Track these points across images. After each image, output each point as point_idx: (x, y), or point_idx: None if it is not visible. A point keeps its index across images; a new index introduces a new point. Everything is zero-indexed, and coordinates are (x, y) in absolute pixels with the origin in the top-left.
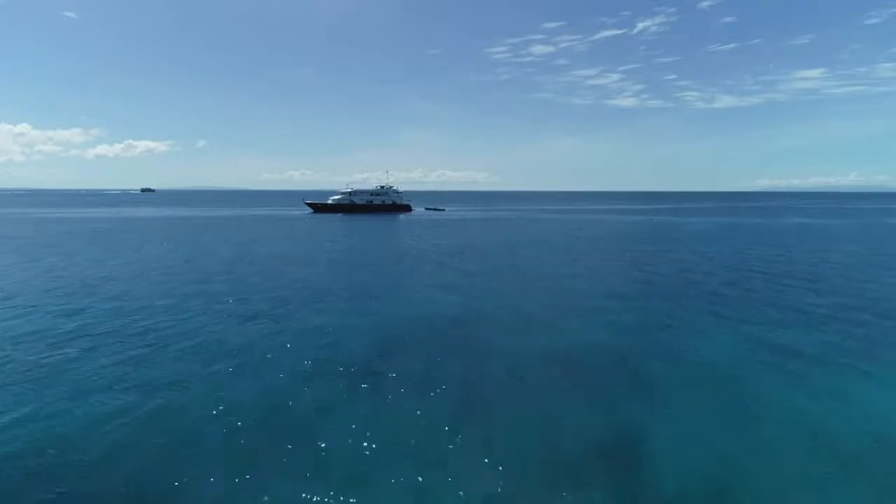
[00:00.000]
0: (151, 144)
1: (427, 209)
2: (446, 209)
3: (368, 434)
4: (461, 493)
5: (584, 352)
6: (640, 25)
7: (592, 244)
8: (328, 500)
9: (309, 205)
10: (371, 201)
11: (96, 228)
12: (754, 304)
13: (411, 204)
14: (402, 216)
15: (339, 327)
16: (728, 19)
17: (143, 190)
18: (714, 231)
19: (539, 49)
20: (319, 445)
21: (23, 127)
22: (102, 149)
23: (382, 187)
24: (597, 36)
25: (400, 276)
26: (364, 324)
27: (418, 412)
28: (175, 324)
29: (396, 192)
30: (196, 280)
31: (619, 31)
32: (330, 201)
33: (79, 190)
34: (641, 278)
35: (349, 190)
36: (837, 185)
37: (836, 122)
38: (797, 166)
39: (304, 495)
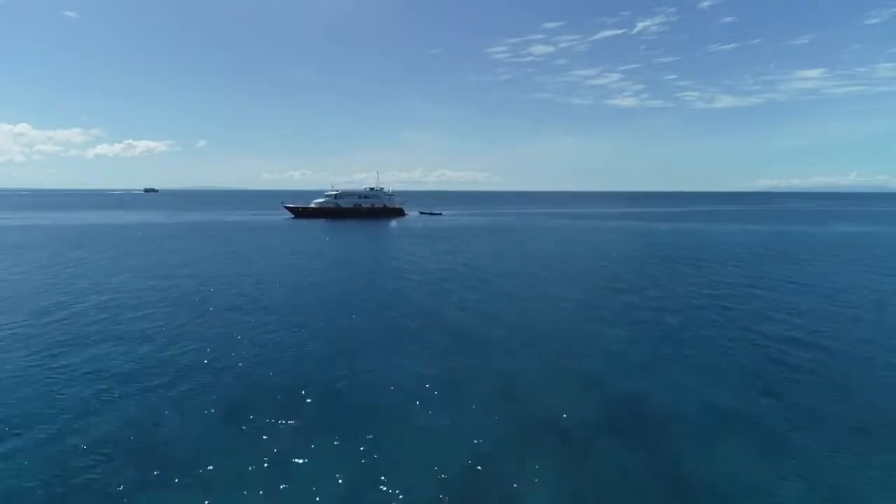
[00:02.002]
0: (151, 144)
1: (422, 213)
2: (444, 213)
3: None
4: None
5: None
6: (640, 25)
7: (637, 269)
8: None
9: (288, 209)
10: (359, 205)
11: (21, 241)
12: None
13: (405, 207)
14: (394, 222)
15: None
16: (728, 19)
17: (146, 190)
18: (772, 244)
19: (539, 49)
20: None
21: (23, 127)
22: (102, 149)
23: (372, 189)
24: (597, 36)
25: (359, 356)
26: None
27: None
28: None
29: (387, 194)
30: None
31: (619, 31)
32: (313, 204)
33: (80, 190)
34: (760, 352)
35: (335, 192)
36: (837, 185)
37: (836, 122)
38: (797, 166)
39: None
